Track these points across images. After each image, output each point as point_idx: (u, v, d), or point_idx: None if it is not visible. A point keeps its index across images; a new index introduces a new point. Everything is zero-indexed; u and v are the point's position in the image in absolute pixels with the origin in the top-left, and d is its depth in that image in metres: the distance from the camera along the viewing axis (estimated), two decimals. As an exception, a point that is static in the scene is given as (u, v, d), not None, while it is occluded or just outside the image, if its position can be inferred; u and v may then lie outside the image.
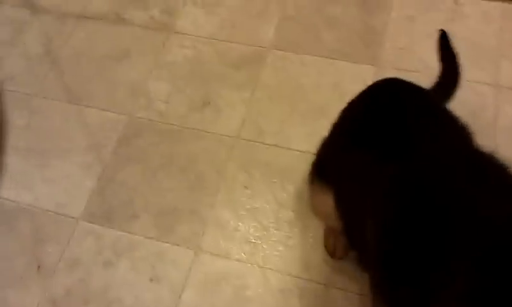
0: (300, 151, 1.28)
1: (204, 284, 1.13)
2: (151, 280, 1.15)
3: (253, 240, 1.18)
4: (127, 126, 1.39)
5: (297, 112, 1.36)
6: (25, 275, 1.19)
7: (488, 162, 0.63)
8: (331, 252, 1.13)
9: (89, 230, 1.23)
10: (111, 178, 1.31)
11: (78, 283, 1.17)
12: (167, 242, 1.19)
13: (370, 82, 1.02)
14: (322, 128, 1.03)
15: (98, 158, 1.34)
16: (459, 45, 1.10)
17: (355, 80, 1.37)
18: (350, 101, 0.99)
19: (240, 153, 1.30)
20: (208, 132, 1.35)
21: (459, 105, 1.01)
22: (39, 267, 1.19)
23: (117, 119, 1.40)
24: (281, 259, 1.15)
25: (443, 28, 1.11)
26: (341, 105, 1.00)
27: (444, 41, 1.08)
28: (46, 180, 1.32)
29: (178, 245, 1.19)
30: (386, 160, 0.70)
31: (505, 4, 1.50)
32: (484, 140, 0.85)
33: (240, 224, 1.20)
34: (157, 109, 1.41)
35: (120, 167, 1.32)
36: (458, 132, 0.83)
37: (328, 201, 0.95)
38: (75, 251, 1.21)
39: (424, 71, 1.31)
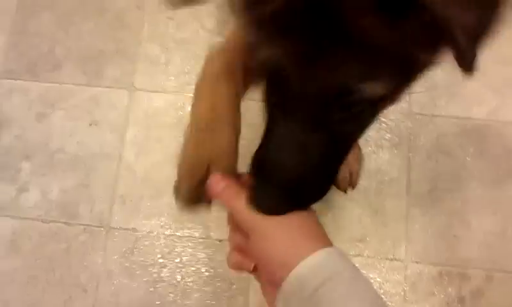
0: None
1: (145, 120, 1.14)
2: (90, 125, 1.14)
3: (188, 71, 1.17)
4: (27, -30, 1.26)
5: None
6: (-46, 143, 1.14)
7: None
8: None
9: (12, 87, 1.17)
10: (23, 30, 1.21)
11: (14, 140, 1.14)
12: (98, 86, 1.16)
13: None
14: None
15: (4, 11, 1.22)
16: None
17: None
18: None
19: (159, -17, 1.23)
20: (120, -35, 1.25)
21: None
22: (-33, 132, 1.14)
23: (14, -37, 1.26)
24: (218, 84, 1.16)
25: None
26: None
27: None
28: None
29: (110, 87, 1.16)
30: None
31: None
32: None
33: (171, 56, 1.18)
34: None
35: (30, 16, 1.22)
36: None
37: None
38: (3, 110, 1.16)
39: None
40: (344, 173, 1.06)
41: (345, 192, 1.07)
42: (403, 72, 0.49)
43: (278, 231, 0.53)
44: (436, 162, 1.09)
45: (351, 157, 1.06)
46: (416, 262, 1.04)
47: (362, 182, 1.08)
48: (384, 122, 1.12)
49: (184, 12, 1.21)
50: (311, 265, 0.50)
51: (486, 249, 1.04)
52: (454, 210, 1.06)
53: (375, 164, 1.10)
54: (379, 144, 1.11)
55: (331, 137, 0.52)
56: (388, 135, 1.11)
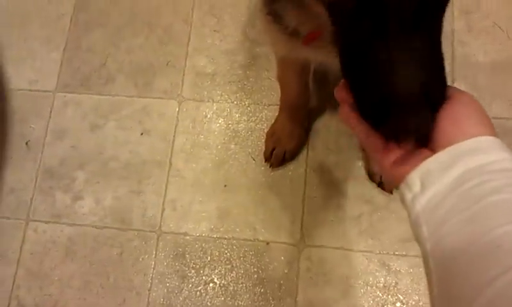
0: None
1: (193, 128, 1.19)
2: (141, 134, 1.19)
3: (234, 80, 1.22)
4: (80, -9, 1.33)
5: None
6: (15, 155, 1.20)
7: None
8: (267, 157, 1.14)
9: (67, 100, 1.24)
10: (77, 46, 1.28)
11: (70, 150, 1.20)
12: (149, 97, 1.22)
13: None
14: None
15: (58, 29, 1.30)
16: None
17: None
18: None
19: (204, -1, 1.29)
20: (167, -17, 1.32)
21: None
22: (27, 142, 1.21)
23: (68, -15, 1.34)
24: (265, 93, 1.20)
25: None
26: None
27: None
28: (11, 61, 1.28)
29: (160, 98, 1.22)
30: None
31: None
32: None
33: (217, 67, 1.23)
34: (107, -31, 1.35)
35: (83, 33, 1.29)
36: None
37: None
38: (59, 122, 1.22)
39: None
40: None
41: (391, 193, 1.09)
42: None
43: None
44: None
45: None
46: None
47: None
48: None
49: (228, 24, 1.26)
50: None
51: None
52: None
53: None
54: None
55: (430, 35, 0.54)
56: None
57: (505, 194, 0.44)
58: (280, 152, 1.13)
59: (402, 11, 0.51)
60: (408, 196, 0.49)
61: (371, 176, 1.11)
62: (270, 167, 1.14)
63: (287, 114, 1.12)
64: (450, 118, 0.51)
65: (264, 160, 1.14)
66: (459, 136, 0.49)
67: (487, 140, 0.49)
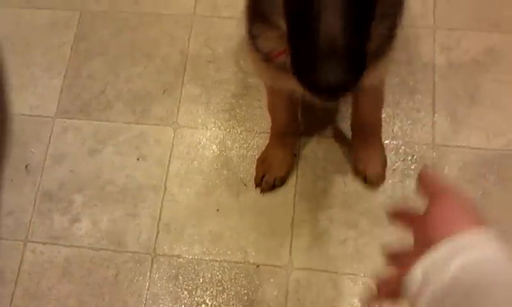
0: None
1: (188, 153, 1.24)
2: (138, 159, 1.25)
3: (227, 109, 1.28)
4: (81, 21, 1.39)
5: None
6: (15, 178, 1.25)
7: None
8: (258, 183, 1.19)
9: (67, 126, 1.29)
10: (77, 74, 1.34)
11: (69, 175, 1.25)
12: (146, 124, 1.28)
13: None
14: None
15: (59, 57, 1.36)
16: None
17: None
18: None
19: (200, 30, 1.35)
20: (164, 14, 1.38)
21: None
22: (27, 166, 1.25)
23: (70, 16, 1.40)
24: (257, 121, 1.26)
25: None
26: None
27: None
28: (14, 86, 1.33)
29: (156, 125, 1.27)
30: None
31: None
32: None
33: (211, 96, 1.29)
34: None
35: (83, 62, 1.35)
36: None
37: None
38: (59, 146, 1.27)
39: None
40: (372, 173, 1.17)
41: (378, 186, 1.17)
42: None
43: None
44: (459, 189, 1.16)
45: (378, 162, 1.18)
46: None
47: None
48: (410, 153, 1.20)
49: (222, 56, 1.32)
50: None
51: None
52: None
53: (401, 192, 1.17)
54: (406, 174, 1.19)
55: None
56: (413, 166, 1.19)
57: (498, 287, 0.48)
58: (270, 178, 1.18)
59: None
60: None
61: (357, 173, 1.19)
62: (261, 192, 1.19)
63: (276, 142, 1.18)
64: (439, 217, 0.55)
65: (255, 185, 1.20)
66: (450, 233, 0.52)
67: (475, 233, 0.52)
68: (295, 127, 1.18)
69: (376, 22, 0.64)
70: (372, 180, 1.18)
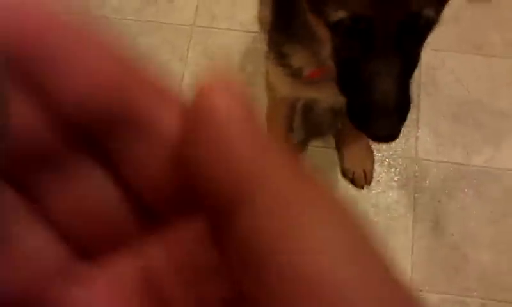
0: (254, 33, 1.42)
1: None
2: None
3: (221, 116, 1.33)
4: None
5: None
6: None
7: None
8: None
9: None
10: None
11: None
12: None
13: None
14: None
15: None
16: None
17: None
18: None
19: (199, 40, 1.42)
20: (165, 23, 1.44)
21: None
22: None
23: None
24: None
25: None
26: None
27: None
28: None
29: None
30: None
31: None
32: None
33: (207, 103, 1.35)
34: (111, 5, 1.47)
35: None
36: None
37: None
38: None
39: None
40: (359, 172, 1.23)
41: (362, 188, 1.23)
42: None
43: None
44: (439, 202, 1.23)
45: (366, 159, 1.24)
46: (420, 290, 1.16)
47: (373, 218, 1.22)
48: (393, 165, 1.27)
49: (221, 64, 1.38)
50: None
51: (481, 280, 1.17)
52: (454, 245, 1.20)
53: (385, 202, 1.24)
54: (389, 185, 1.25)
55: (406, 59, 0.70)
56: (396, 177, 1.26)
57: None
58: None
59: (387, 33, 0.67)
60: None
61: (344, 172, 1.25)
62: None
63: None
64: None
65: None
66: None
67: None
68: (289, 137, 1.25)
69: None
70: (360, 179, 1.23)
